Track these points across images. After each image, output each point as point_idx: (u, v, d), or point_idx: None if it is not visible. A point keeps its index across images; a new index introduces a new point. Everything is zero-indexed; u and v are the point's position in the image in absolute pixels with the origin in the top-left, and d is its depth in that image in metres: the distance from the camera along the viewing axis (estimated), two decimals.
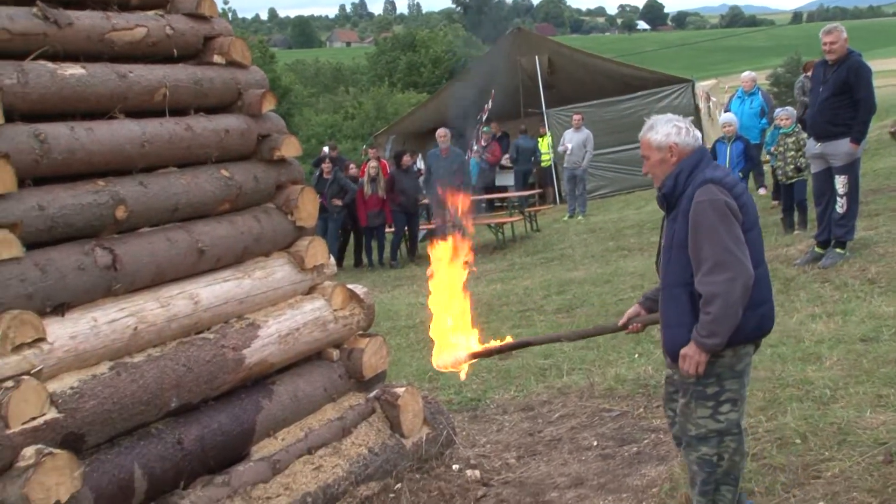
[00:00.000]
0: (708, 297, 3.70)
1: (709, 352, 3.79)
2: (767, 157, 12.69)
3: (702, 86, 23.04)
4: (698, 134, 4.00)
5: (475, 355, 4.63)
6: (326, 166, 16.48)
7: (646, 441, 5.76)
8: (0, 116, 3.94)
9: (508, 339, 4.68)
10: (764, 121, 14.35)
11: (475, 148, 20.69)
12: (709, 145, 13.64)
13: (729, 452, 3.98)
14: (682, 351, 3.83)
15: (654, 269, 4.26)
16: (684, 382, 3.99)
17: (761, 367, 6.63)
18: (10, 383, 3.68)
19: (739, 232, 3.76)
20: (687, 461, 4.17)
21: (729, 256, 3.68)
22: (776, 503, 4.59)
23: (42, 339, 3.87)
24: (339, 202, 16.34)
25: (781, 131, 11.49)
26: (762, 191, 15.07)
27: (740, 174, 12.03)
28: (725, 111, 15.05)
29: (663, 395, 4.38)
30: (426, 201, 16.59)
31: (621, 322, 4.36)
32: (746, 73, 15.41)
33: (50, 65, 4.34)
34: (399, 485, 5.24)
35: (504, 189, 21.39)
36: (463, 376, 4.77)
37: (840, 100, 9.00)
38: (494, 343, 4.62)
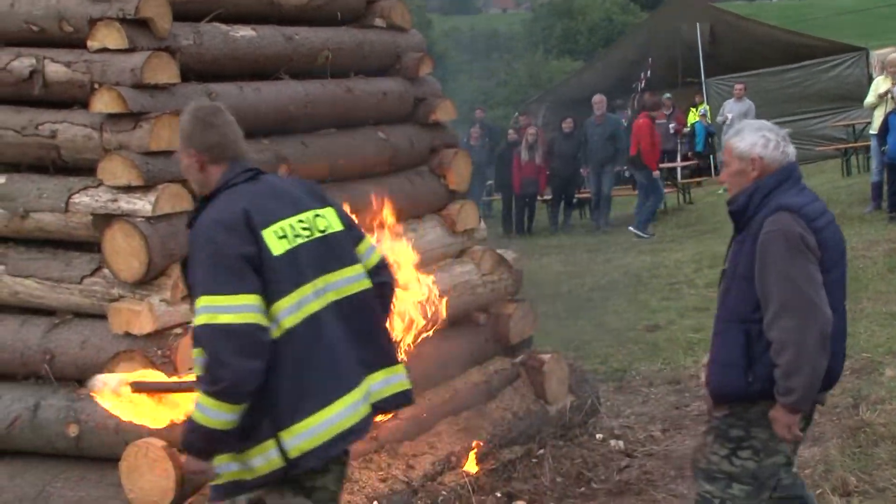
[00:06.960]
0: (778, 345, 3.24)
1: (793, 412, 3.30)
2: None
3: (877, 54, 21.73)
4: (791, 150, 3.47)
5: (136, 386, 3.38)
6: (475, 131, 16.49)
7: None
8: (177, 76, 4.12)
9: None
10: None
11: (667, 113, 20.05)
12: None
13: (733, 502, 3.48)
14: (771, 414, 3.36)
15: None
16: (710, 414, 3.61)
17: None
18: (178, 330, 3.89)
19: (814, 270, 3.27)
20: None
21: (800, 299, 3.22)
22: None
23: None
24: None
25: None
26: None
27: None
28: None
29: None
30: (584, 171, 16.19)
31: None
32: None
33: (223, 26, 4.51)
34: (542, 450, 5.27)
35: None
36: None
37: None
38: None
